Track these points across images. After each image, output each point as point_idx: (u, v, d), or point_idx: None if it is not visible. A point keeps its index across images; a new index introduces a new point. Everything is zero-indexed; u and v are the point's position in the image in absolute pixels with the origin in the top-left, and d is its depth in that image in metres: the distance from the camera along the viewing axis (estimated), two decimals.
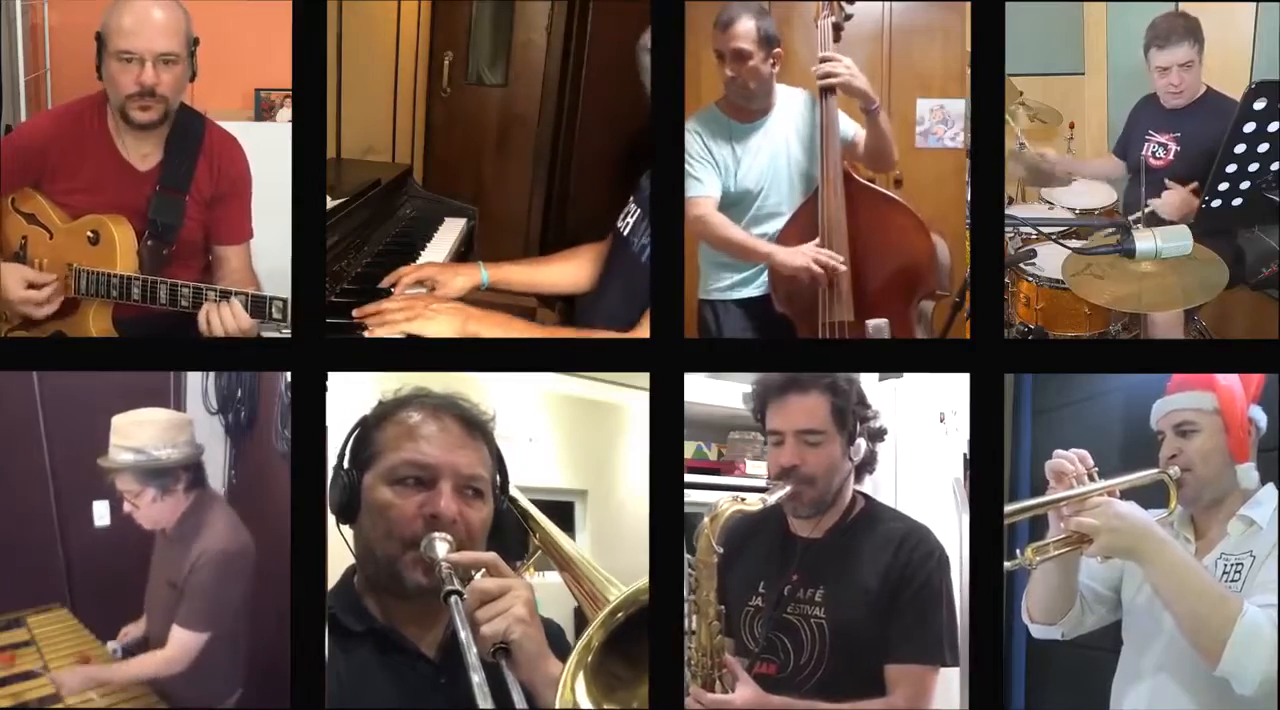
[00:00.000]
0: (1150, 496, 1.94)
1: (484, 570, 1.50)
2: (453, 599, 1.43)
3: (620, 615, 1.46)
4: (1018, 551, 1.90)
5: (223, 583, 2.31)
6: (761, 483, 2.85)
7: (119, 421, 2.36)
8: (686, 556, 1.94)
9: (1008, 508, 1.97)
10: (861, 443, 2.02)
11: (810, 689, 1.93)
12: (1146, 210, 2.72)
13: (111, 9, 2.29)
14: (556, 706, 1.41)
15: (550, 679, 1.43)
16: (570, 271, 2.59)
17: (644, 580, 1.53)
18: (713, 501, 2.67)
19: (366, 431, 1.65)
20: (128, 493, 2.37)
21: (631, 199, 2.41)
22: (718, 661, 1.89)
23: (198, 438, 2.44)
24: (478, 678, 1.33)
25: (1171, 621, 1.82)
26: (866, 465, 2.05)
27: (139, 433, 2.34)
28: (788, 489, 1.96)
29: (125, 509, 2.40)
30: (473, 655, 1.36)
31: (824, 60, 2.46)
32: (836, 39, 2.50)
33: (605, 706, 1.45)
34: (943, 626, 1.94)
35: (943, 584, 1.96)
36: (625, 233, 2.39)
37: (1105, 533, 1.81)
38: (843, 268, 2.43)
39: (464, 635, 1.39)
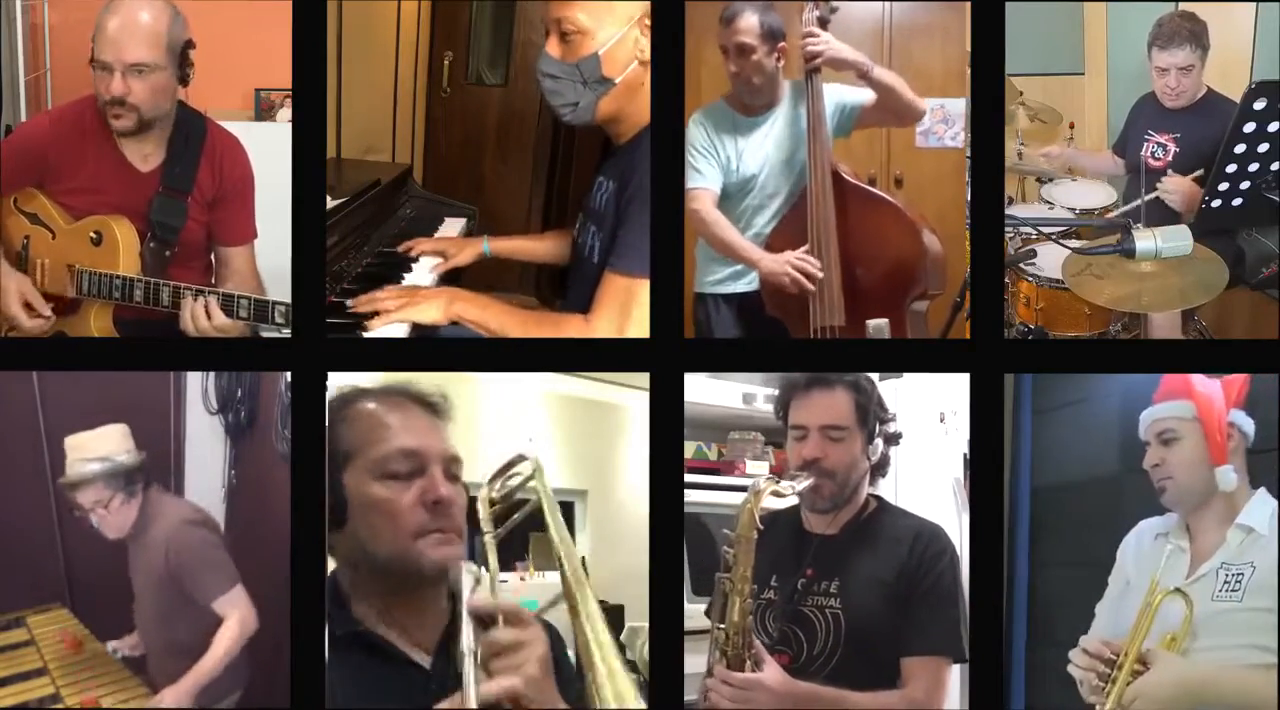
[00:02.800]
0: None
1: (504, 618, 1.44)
2: (466, 661, 1.39)
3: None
4: None
5: (205, 543, 2.37)
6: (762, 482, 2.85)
7: (74, 441, 2.41)
8: (725, 532, 1.93)
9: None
10: (879, 444, 2.05)
11: (823, 679, 1.94)
12: (1152, 195, 2.72)
13: (102, 13, 2.29)
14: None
15: None
16: (555, 246, 2.69)
17: None
18: (712, 500, 2.70)
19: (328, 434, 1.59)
20: (97, 503, 2.39)
21: (581, 208, 2.42)
22: (747, 641, 1.89)
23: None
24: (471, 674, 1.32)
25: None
26: (880, 468, 2.07)
27: (100, 444, 2.40)
28: (811, 480, 1.98)
29: (93, 522, 2.42)
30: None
31: (805, 38, 2.45)
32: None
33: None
34: (958, 621, 1.97)
35: (955, 581, 1.98)
36: (576, 238, 2.41)
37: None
38: (819, 275, 2.43)
39: (473, 690, 1.36)
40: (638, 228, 2.15)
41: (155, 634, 2.46)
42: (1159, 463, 1.96)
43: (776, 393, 2.10)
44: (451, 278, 2.74)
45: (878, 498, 2.08)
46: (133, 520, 2.43)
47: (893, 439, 2.07)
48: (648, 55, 2.18)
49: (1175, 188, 2.74)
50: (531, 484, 1.62)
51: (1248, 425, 1.98)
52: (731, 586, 1.90)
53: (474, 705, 1.33)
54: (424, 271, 2.67)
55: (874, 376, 2.08)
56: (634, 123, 2.23)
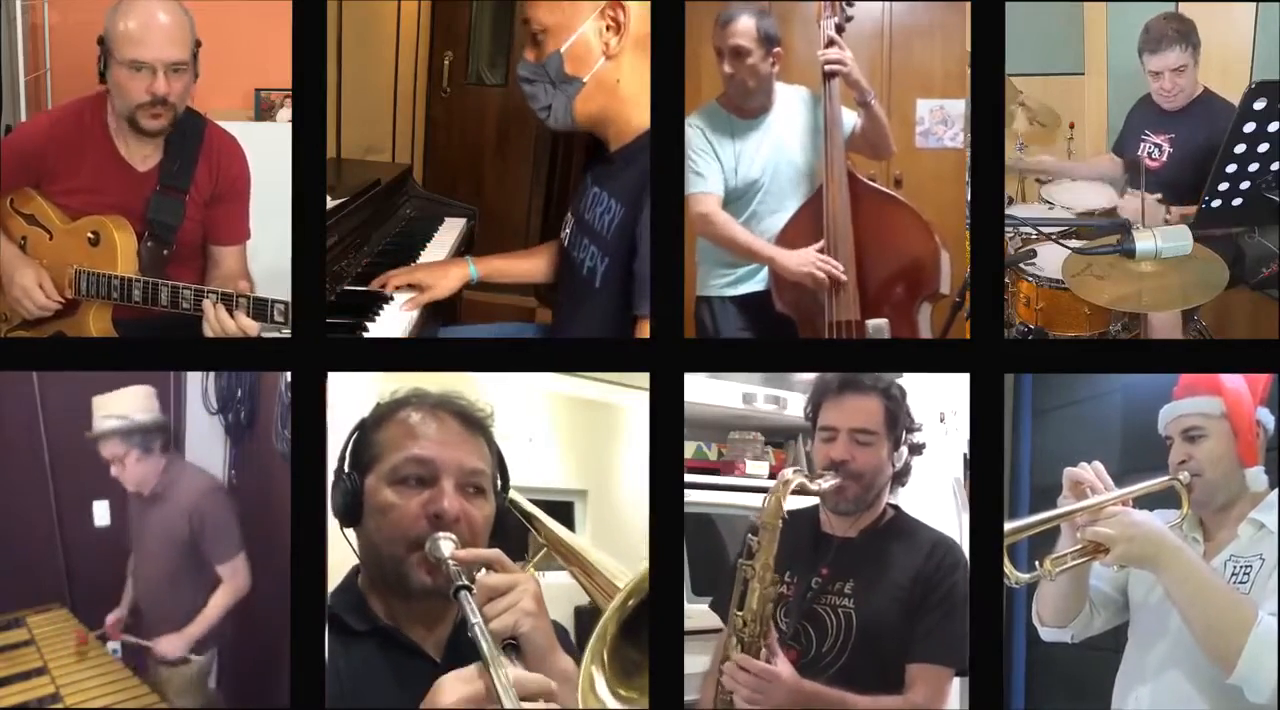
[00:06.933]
0: (1161, 499, 1.95)
1: (488, 567, 1.50)
2: (462, 594, 1.44)
3: (631, 602, 1.47)
4: (1036, 563, 1.90)
5: (225, 511, 2.58)
6: (761, 483, 2.86)
7: (99, 399, 2.57)
8: (750, 519, 1.94)
9: (1023, 522, 1.95)
10: (904, 452, 2.06)
11: (830, 677, 1.95)
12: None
13: (115, 14, 2.28)
14: (578, 697, 1.42)
15: (559, 672, 1.43)
16: (545, 265, 2.58)
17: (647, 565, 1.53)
18: (712, 500, 2.70)
19: (365, 434, 1.64)
20: (115, 457, 2.56)
21: (570, 210, 2.36)
22: (764, 630, 1.90)
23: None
24: (495, 668, 1.34)
25: (1178, 620, 1.82)
26: (900, 477, 2.08)
27: (118, 403, 2.55)
28: (838, 480, 1.99)
29: (113, 473, 2.58)
30: (487, 646, 1.37)
31: (829, 45, 2.45)
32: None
33: (621, 691, 1.46)
34: (966, 634, 1.99)
35: (966, 595, 2.00)
36: (566, 245, 2.35)
37: (1122, 542, 1.81)
38: (844, 278, 2.44)
39: (477, 624, 1.39)
40: None
41: (156, 592, 2.63)
42: (1185, 459, 1.93)
43: (808, 394, 2.11)
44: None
45: (895, 507, 2.09)
46: (154, 479, 2.59)
47: (916, 449, 2.08)
48: (614, 49, 2.11)
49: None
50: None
51: (1269, 421, 1.96)
52: (753, 573, 1.91)
53: (485, 645, 1.37)
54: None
55: (904, 384, 2.09)
56: (622, 126, 2.17)
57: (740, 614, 1.91)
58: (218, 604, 2.53)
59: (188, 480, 2.61)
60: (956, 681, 2.02)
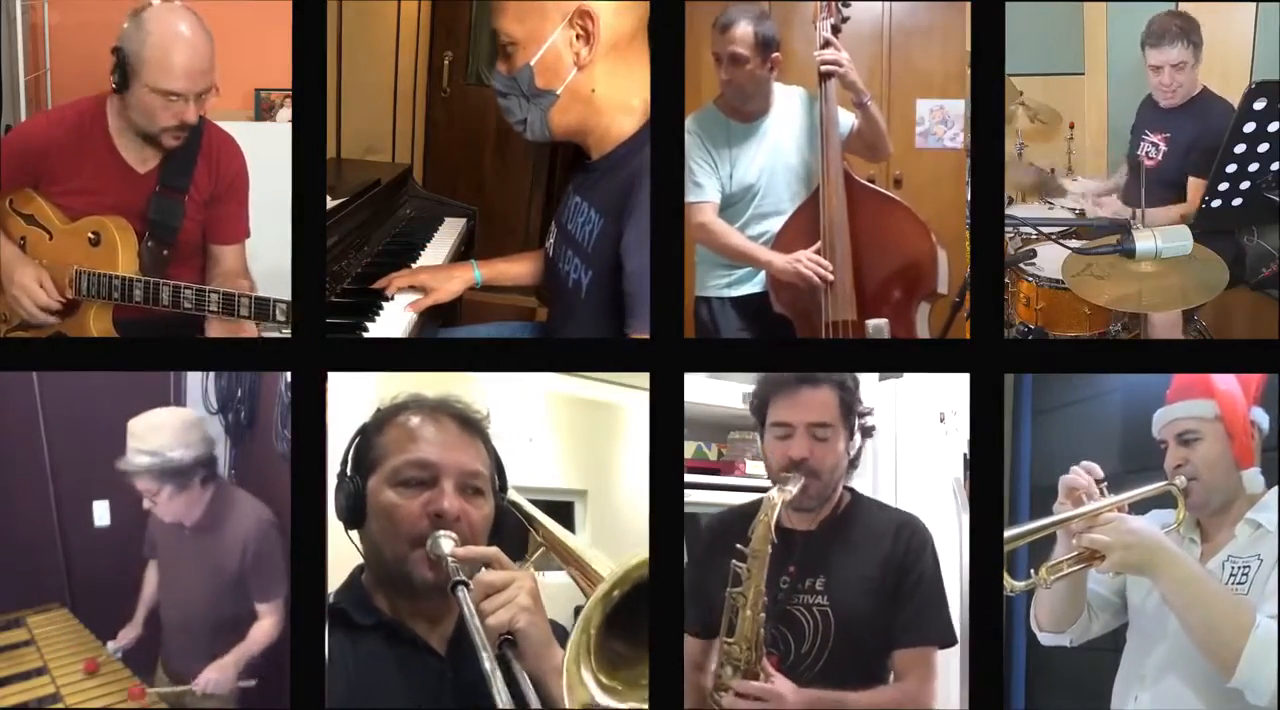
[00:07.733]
0: (1158, 501, 1.94)
1: (487, 564, 1.53)
2: (460, 590, 1.47)
3: (616, 593, 1.49)
4: (1031, 571, 1.89)
5: (278, 549, 2.40)
6: (763, 482, 2.85)
7: (135, 425, 2.43)
8: (739, 547, 1.94)
9: (1019, 529, 1.94)
10: (858, 438, 2.06)
11: (813, 677, 1.95)
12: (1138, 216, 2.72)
13: (138, 32, 2.26)
14: (563, 689, 1.44)
15: (557, 668, 1.46)
16: (540, 266, 2.54)
17: (635, 555, 1.53)
18: (712, 500, 2.69)
19: (367, 438, 1.68)
20: (147, 491, 2.45)
21: (554, 219, 2.34)
22: (759, 655, 1.90)
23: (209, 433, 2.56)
24: (489, 663, 1.37)
25: (1177, 624, 1.82)
26: (854, 462, 2.08)
27: (154, 436, 2.42)
28: (803, 480, 1.98)
29: (145, 505, 2.48)
30: (482, 641, 1.40)
31: (825, 46, 2.45)
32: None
33: (604, 679, 1.48)
34: (947, 609, 1.99)
35: (938, 570, 2.00)
36: (550, 254, 2.33)
37: (1118, 549, 1.81)
38: (830, 277, 2.44)
39: (473, 622, 1.42)
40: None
41: (190, 617, 2.52)
42: (1181, 463, 1.93)
43: (754, 389, 2.09)
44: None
45: (850, 490, 2.10)
46: (198, 512, 2.48)
47: (868, 432, 2.08)
48: (585, 59, 2.05)
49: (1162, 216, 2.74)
50: None
51: (1264, 421, 1.96)
52: (744, 601, 1.91)
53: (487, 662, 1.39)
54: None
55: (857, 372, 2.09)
56: (601, 136, 2.12)
57: (733, 641, 1.92)
58: (258, 639, 2.40)
59: (241, 510, 2.49)
60: (951, 670, 2.03)
